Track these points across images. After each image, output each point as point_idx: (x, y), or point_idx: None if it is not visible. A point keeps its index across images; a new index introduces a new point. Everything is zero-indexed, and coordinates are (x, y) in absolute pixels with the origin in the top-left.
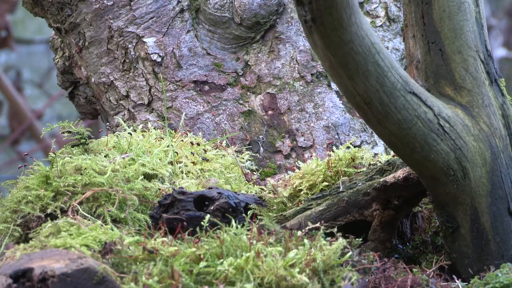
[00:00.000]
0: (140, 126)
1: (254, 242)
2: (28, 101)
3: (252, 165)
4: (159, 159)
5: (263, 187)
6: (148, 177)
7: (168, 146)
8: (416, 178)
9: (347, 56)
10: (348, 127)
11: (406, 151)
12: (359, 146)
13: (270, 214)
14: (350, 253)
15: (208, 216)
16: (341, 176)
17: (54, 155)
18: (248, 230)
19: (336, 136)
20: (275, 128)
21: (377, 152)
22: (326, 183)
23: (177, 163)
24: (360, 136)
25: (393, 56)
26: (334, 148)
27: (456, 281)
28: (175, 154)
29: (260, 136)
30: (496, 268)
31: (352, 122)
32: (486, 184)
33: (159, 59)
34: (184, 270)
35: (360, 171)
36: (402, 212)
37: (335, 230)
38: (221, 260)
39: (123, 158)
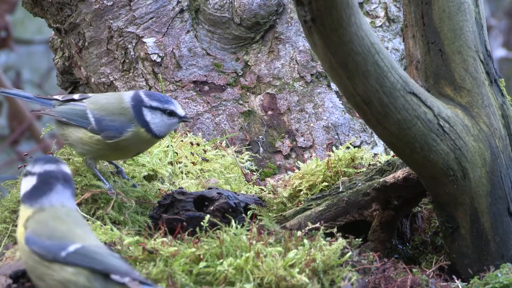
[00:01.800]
0: None
1: (254, 242)
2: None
3: (252, 165)
4: (159, 159)
5: (263, 187)
6: (148, 177)
7: (168, 146)
8: (416, 179)
9: (347, 56)
10: (348, 127)
11: (406, 151)
12: (358, 146)
13: (270, 214)
14: (350, 253)
15: (208, 216)
16: (341, 177)
17: (53, 155)
18: (248, 230)
19: (336, 136)
20: (275, 128)
21: (376, 152)
22: (326, 184)
23: (177, 163)
24: (360, 136)
25: (392, 56)
26: (333, 148)
27: (456, 281)
28: (175, 154)
29: (260, 136)
30: (496, 268)
31: (351, 122)
32: (486, 184)
33: (158, 59)
34: (184, 271)
35: (360, 171)
36: (401, 212)
37: (335, 230)
38: (221, 260)
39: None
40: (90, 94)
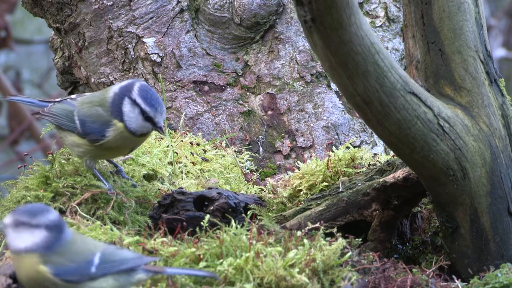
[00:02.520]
0: None
1: (254, 242)
2: None
3: (251, 165)
4: (159, 159)
5: (262, 187)
6: (148, 177)
7: (167, 146)
8: (416, 178)
9: (347, 56)
10: (348, 127)
11: (406, 151)
12: (358, 146)
13: (269, 214)
14: (349, 253)
15: (207, 216)
16: (341, 176)
17: (53, 155)
18: (247, 230)
19: (336, 136)
20: (275, 128)
21: (376, 152)
22: (326, 183)
23: (176, 163)
24: (360, 136)
25: (392, 56)
26: (333, 148)
27: (456, 281)
28: (175, 154)
29: (260, 136)
30: (495, 268)
31: (351, 122)
32: (485, 184)
33: (158, 59)
34: None
35: (360, 171)
36: (401, 212)
37: (334, 230)
38: (221, 260)
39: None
40: (88, 94)
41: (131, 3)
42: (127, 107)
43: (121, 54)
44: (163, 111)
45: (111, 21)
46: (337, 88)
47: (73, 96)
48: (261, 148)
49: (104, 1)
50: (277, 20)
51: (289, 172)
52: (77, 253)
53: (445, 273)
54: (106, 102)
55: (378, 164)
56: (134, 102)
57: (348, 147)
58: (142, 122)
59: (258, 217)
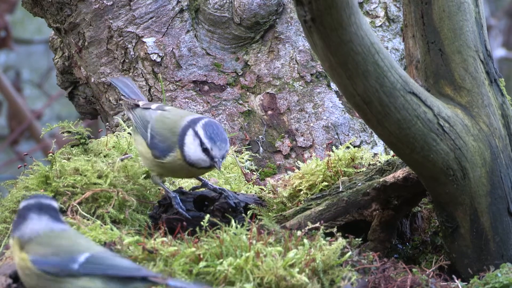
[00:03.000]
0: None
1: (254, 242)
2: (27, 101)
3: (251, 165)
4: None
5: (262, 187)
6: (148, 176)
7: None
8: (416, 178)
9: (347, 56)
10: (348, 127)
11: (406, 151)
12: (358, 146)
13: (269, 214)
14: (349, 253)
15: (207, 216)
16: (341, 176)
17: (53, 155)
18: (247, 230)
19: (336, 136)
20: (275, 128)
21: (376, 152)
22: (326, 183)
23: None
24: (360, 136)
25: (392, 56)
26: (333, 148)
27: (456, 281)
28: None
29: (260, 136)
30: (495, 268)
31: (351, 122)
32: (485, 184)
33: (158, 59)
34: (184, 270)
35: (360, 171)
36: (401, 212)
37: (334, 230)
38: (221, 260)
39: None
40: (167, 107)
41: (131, 3)
42: (189, 138)
43: (121, 54)
44: (223, 148)
45: (111, 21)
46: (337, 88)
47: (153, 106)
48: (261, 148)
49: (104, 1)
50: (277, 20)
51: (289, 172)
52: (63, 248)
53: (445, 273)
54: (177, 131)
55: (378, 164)
56: (195, 134)
57: (348, 147)
58: (200, 154)
59: (258, 217)
